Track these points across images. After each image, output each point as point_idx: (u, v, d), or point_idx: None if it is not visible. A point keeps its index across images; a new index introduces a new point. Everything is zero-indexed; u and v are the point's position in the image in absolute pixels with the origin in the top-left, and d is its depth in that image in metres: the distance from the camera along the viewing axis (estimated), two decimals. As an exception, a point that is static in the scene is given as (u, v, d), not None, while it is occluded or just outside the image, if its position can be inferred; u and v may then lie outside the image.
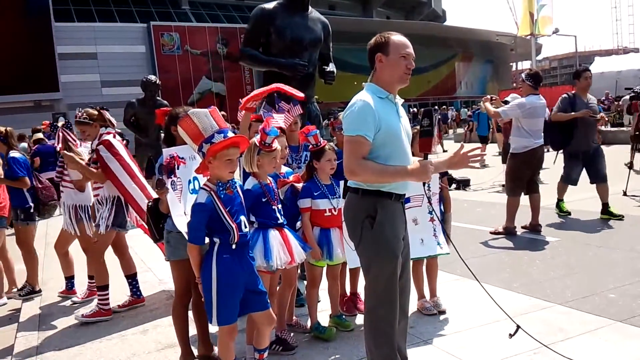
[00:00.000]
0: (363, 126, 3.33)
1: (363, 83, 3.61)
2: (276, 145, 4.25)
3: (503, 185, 12.65)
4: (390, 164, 3.39)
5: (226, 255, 3.59)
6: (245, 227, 3.72)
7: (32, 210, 6.89)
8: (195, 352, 4.49)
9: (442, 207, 5.38)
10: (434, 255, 5.30)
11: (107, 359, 4.82)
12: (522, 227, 8.53)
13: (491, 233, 8.45)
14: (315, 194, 4.72)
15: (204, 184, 3.63)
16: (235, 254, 3.62)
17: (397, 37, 3.50)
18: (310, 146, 4.83)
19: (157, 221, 4.39)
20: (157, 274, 7.22)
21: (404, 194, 3.58)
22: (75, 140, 6.35)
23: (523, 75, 8.61)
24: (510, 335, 3.74)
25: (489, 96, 9.09)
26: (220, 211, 3.55)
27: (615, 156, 14.40)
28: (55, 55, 36.93)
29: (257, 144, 4.17)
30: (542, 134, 8.43)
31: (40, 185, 6.93)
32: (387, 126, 3.38)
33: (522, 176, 8.32)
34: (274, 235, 4.27)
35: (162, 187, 4.04)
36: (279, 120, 5.08)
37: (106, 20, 40.95)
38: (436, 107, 36.24)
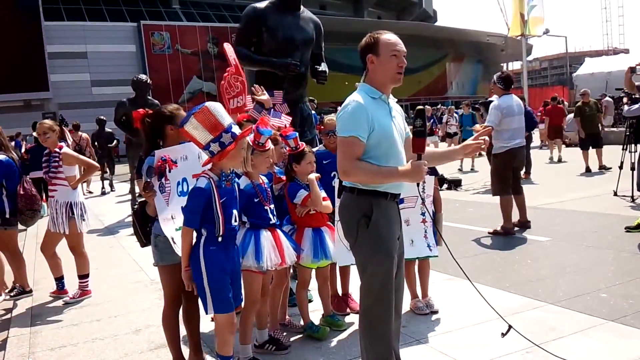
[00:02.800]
0: (357, 127, 3.32)
1: (356, 84, 3.61)
2: (270, 145, 4.26)
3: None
4: (383, 164, 3.38)
5: (213, 247, 3.64)
6: (235, 221, 3.74)
7: (7, 216, 6.56)
8: (187, 356, 4.44)
9: (432, 208, 5.39)
10: (423, 258, 5.33)
11: (99, 359, 4.81)
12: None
13: (489, 233, 8.48)
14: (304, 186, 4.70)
15: (205, 172, 3.65)
16: (222, 246, 3.66)
17: (386, 36, 3.48)
18: (289, 149, 4.78)
19: (143, 225, 4.29)
20: (149, 274, 7.20)
21: (399, 194, 3.59)
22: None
23: (495, 77, 8.67)
24: (503, 335, 3.74)
25: (478, 126, 8.99)
26: (214, 200, 3.58)
27: (606, 156, 14.50)
28: (45, 55, 36.83)
29: (251, 144, 4.18)
30: (523, 133, 8.50)
31: (21, 192, 6.62)
32: (380, 126, 3.38)
33: (506, 175, 8.40)
34: (265, 236, 4.28)
35: (150, 189, 3.99)
36: (284, 120, 5.09)
37: (96, 20, 40.83)
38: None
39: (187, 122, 3.57)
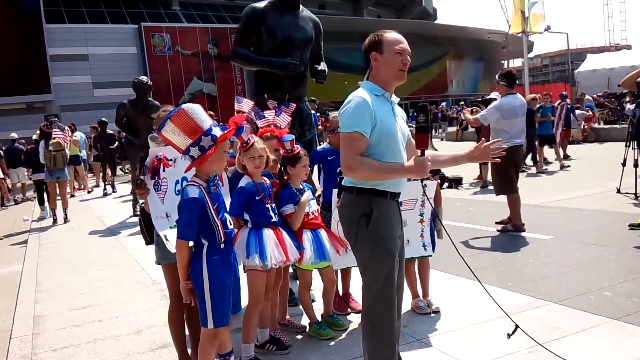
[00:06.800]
0: (360, 122, 3.30)
1: (359, 82, 3.60)
2: (258, 144, 4.24)
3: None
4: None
5: (216, 256, 3.52)
6: (230, 224, 3.66)
7: None
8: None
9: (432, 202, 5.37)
10: (418, 257, 5.32)
11: (101, 360, 4.82)
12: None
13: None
14: (295, 200, 4.66)
15: (192, 180, 3.51)
16: (224, 253, 3.56)
17: (390, 34, 3.48)
18: (283, 151, 4.73)
19: (148, 223, 4.27)
20: (150, 275, 7.20)
21: (399, 193, 3.56)
22: None
23: (497, 76, 8.63)
24: (509, 335, 3.70)
25: (468, 109, 9.02)
26: (208, 208, 3.48)
27: (609, 153, 14.47)
28: (46, 57, 36.87)
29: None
30: (524, 134, 8.49)
31: None
32: (382, 123, 3.36)
33: (509, 174, 8.36)
34: (268, 234, 4.27)
35: (143, 187, 3.97)
36: (269, 117, 5.06)
37: (97, 22, 40.89)
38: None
39: (164, 127, 3.42)
